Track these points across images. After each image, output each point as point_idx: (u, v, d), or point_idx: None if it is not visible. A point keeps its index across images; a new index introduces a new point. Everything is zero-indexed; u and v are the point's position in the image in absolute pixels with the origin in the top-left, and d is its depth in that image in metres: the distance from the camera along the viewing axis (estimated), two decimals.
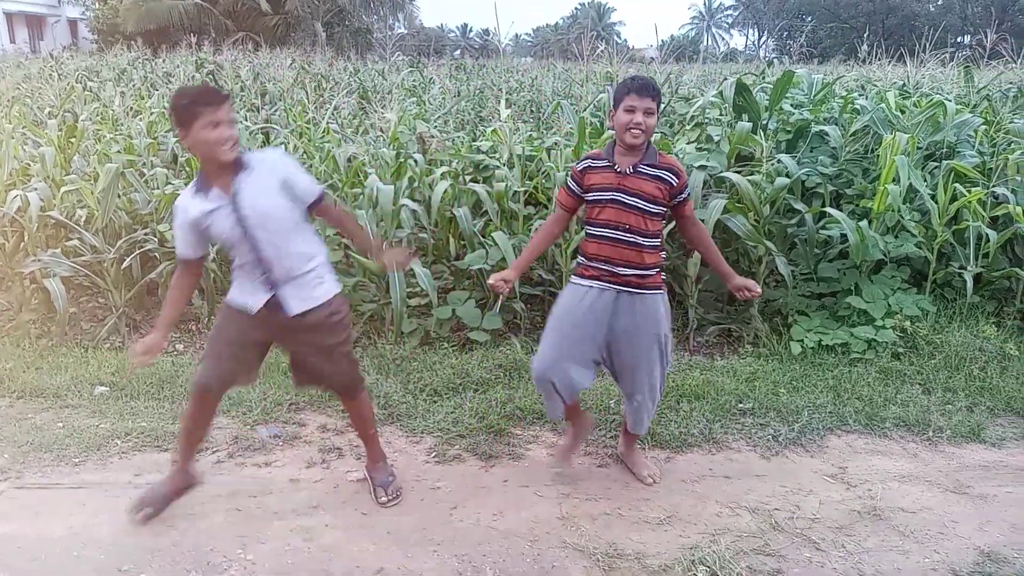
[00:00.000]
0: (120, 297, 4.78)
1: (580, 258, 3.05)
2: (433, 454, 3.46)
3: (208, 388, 2.86)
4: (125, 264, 4.76)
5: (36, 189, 4.91)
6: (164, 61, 13.90)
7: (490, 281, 3.05)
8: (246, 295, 2.77)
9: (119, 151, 5.56)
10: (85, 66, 13.41)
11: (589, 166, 3.00)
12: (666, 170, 2.91)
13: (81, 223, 4.85)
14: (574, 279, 3.04)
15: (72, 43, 30.98)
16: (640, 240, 2.90)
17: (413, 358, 4.42)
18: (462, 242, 5.14)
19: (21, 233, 4.95)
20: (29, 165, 5.49)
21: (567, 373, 2.98)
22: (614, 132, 2.93)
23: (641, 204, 2.89)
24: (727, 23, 69.57)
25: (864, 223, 4.62)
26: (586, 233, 3.03)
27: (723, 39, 67.87)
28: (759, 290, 3.10)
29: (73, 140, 5.94)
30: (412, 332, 4.69)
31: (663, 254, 3.04)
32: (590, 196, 2.97)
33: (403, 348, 4.53)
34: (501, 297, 4.84)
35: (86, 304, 5.20)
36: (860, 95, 6.67)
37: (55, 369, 4.23)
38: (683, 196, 2.98)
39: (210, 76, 10.60)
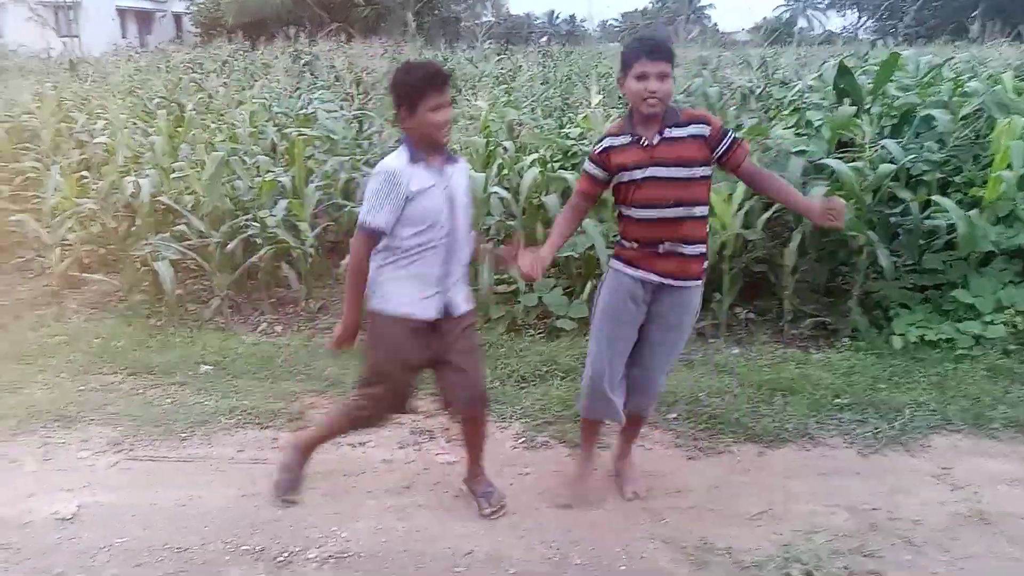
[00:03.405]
0: (224, 280, 4.99)
1: (621, 240, 2.80)
2: (521, 440, 3.49)
3: (383, 420, 2.88)
4: (228, 248, 4.97)
5: (148, 176, 5.17)
6: (262, 53, 14.36)
7: (524, 270, 2.66)
8: (423, 302, 2.64)
9: (223, 140, 5.79)
10: (189, 58, 13.99)
11: (610, 146, 2.70)
12: (695, 123, 2.66)
13: (188, 208, 5.08)
14: (615, 264, 2.80)
15: (177, 37, 32.39)
16: (694, 211, 2.66)
17: (500, 344, 4.46)
18: (548, 230, 5.13)
19: (132, 218, 5.24)
20: (141, 153, 5.78)
21: (620, 373, 2.85)
22: (629, 101, 2.68)
23: (682, 172, 2.62)
24: (823, 4, 66.86)
25: (974, 212, 4.38)
26: (623, 216, 2.77)
27: (819, 20, 65.27)
28: (844, 208, 2.65)
29: (180, 129, 6.23)
30: (499, 318, 4.73)
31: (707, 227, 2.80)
32: (622, 178, 2.68)
33: (490, 334, 4.57)
34: (588, 285, 4.82)
35: (191, 286, 5.45)
36: (971, 77, 6.31)
37: (163, 348, 4.46)
38: (727, 144, 2.66)
39: (306, 67, 10.89)
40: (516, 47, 18.59)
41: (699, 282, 2.80)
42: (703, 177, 2.68)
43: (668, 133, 2.64)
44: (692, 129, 2.65)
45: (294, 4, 28.25)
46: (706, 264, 2.82)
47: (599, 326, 2.85)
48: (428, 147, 2.59)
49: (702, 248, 2.76)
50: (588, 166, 2.79)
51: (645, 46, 2.60)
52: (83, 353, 4.35)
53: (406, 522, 2.89)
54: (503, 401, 3.82)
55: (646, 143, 2.64)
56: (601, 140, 2.76)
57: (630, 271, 2.74)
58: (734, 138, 2.69)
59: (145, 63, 13.55)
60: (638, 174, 2.64)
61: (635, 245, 2.73)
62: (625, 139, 2.68)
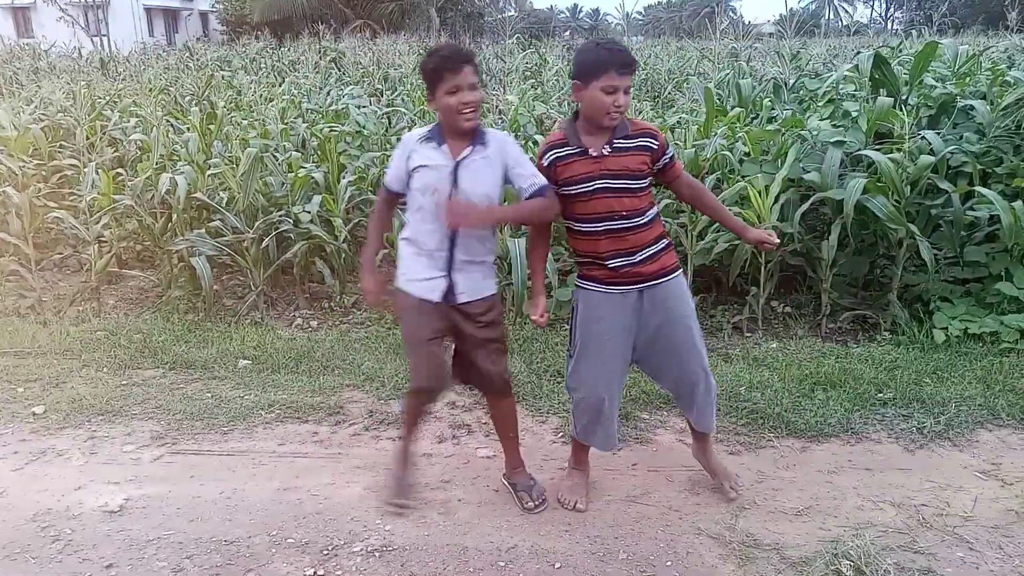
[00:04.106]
0: (259, 276, 5.02)
1: (578, 257, 2.74)
2: (560, 434, 3.48)
3: (428, 391, 2.81)
4: (263, 244, 5.00)
5: (183, 172, 5.22)
6: (289, 49, 14.46)
7: (537, 319, 2.74)
8: (424, 283, 2.68)
9: (255, 136, 5.83)
10: (217, 56, 14.12)
11: (556, 157, 2.61)
12: (643, 136, 2.61)
13: (223, 205, 5.12)
14: (581, 283, 2.74)
15: (203, 34, 32.69)
16: (639, 221, 2.61)
17: (535, 339, 4.45)
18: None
19: (169, 214, 5.29)
20: (175, 151, 5.84)
21: (613, 389, 2.78)
22: (580, 106, 2.60)
23: (629, 184, 2.58)
24: None
25: (1018, 203, 4.30)
26: (571, 230, 2.71)
27: (846, 11, 64.43)
28: (776, 240, 2.79)
29: (212, 127, 6.28)
30: None
31: (661, 219, 2.76)
32: (570, 190, 2.61)
33: (524, 329, 4.56)
34: None
35: (227, 282, 5.50)
36: (1009, 67, 6.19)
37: (202, 343, 4.50)
38: (667, 158, 2.67)
39: (333, 63, 10.94)
40: (540, 41, 18.55)
41: (678, 272, 2.73)
42: (645, 188, 2.64)
43: (618, 143, 2.59)
44: (641, 141, 2.62)
45: (319, 1, 28.40)
46: (675, 257, 2.75)
47: (580, 345, 2.76)
48: (451, 130, 2.60)
49: (663, 242, 2.71)
50: None
51: (616, 59, 2.47)
52: (124, 348, 4.40)
53: (448, 516, 2.90)
54: (540, 396, 3.81)
55: (595, 153, 2.59)
56: (545, 152, 2.66)
57: (599, 287, 2.68)
58: (672, 155, 2.71)
59: (174, 61, 13.70)
60: (588, 187, 2.59)
61: (596, 261, 2.66)
62: (571, 149, 2.61)
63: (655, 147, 2.63)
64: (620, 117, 2.55)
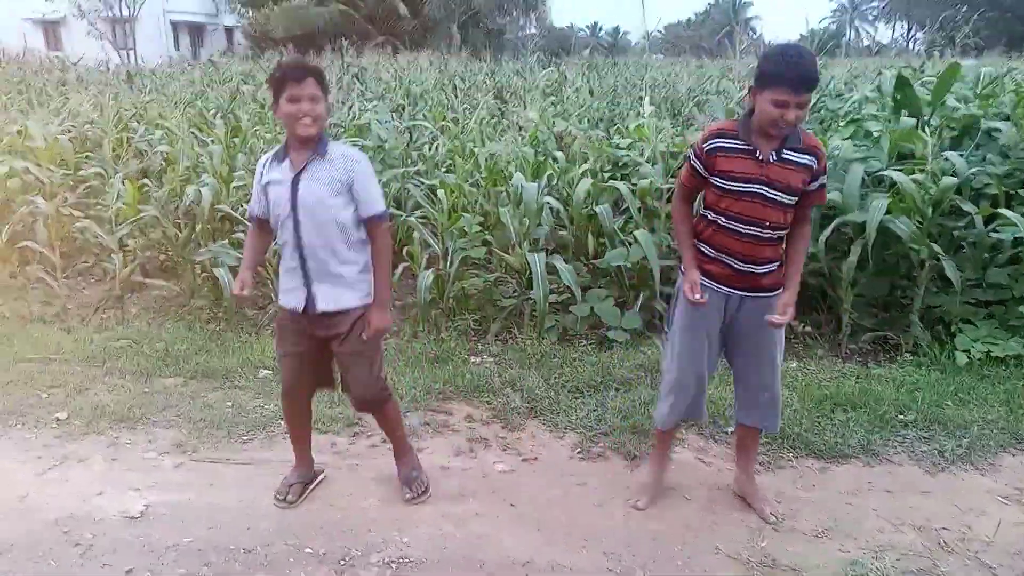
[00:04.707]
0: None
1: (700, 245, 2.72)
2: (577, 450, 3.48)
3: (285, 394, 3.01)
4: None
5: (207, 184, 5.29)
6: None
7: (694, 296, 2.66)
8: (289, 293, 2.80)
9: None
10: (242, 71, 14.30)
11: (719, 147, 2.57)
12: (809, 153, 2.55)
13: (246, 217, 5.16)
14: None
15: (228, 49, 33.14)
16: (778, 234, 2.62)
17: (553, 354, 4.45)
18: (600, 240, 5.13)
19: (193, 225, 5.35)
20: (200, 163, 5.92)
21: (703, 378, 2.84)
22: (759, 117, 2.51)
23: (784, 198, 2.53)
24: (872, 15, 65.89)
25: None
26: (706, 218, 2.67)
27: (868, 32, 64.34)
28: (779, 321, 2.65)
29: (236, 140, 6.36)
30: (550, 328, 4.73)
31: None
32: (722, 183, 2.57)
33: (542, 344, 4.56)
34: (641, 296, 4.80)
35: (249, 293, 5.53)
36: None
37: (223, 352, 4.54)
38: (817, 183, 2.60)
39: (355, 78, 11.05)
40: (560, 59, 18.65)
41: (777, 292, 2.72)
42: (795, 205, 2.61)
43: (787, 155, 2.54)
44: (806, 158, 2.56)
45: (341, 17, 28.74)
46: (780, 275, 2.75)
47: (676, 337, 2.83)
48: (295, 139, 2.66)
49: (779, 262, 2.72)
50: (692, 158, 2.68)
51: (791, 74, 2.38)
52: (146, 356, 4.44)
53: (464, 529, 2.90)
54: (557, 411, 3.81)
55: (761, 157, 2.54)
56: (710, 137, 2.61)
57: (707, 283, 2.71)
58: (823, 183, 2.63)
59: (198, 75, 13.88)
60: (744, 188, 2.55)
61: (715, 255, 2.69)
62: (738, 144, 2.56)
63: (815, 167, 2.57)
64: (788, 131, 2.50)
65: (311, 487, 3.13)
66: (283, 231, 2.73)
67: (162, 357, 4.43)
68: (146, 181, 6.01)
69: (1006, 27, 36.17)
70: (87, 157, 6.88)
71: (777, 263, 2.70)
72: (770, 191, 2.54)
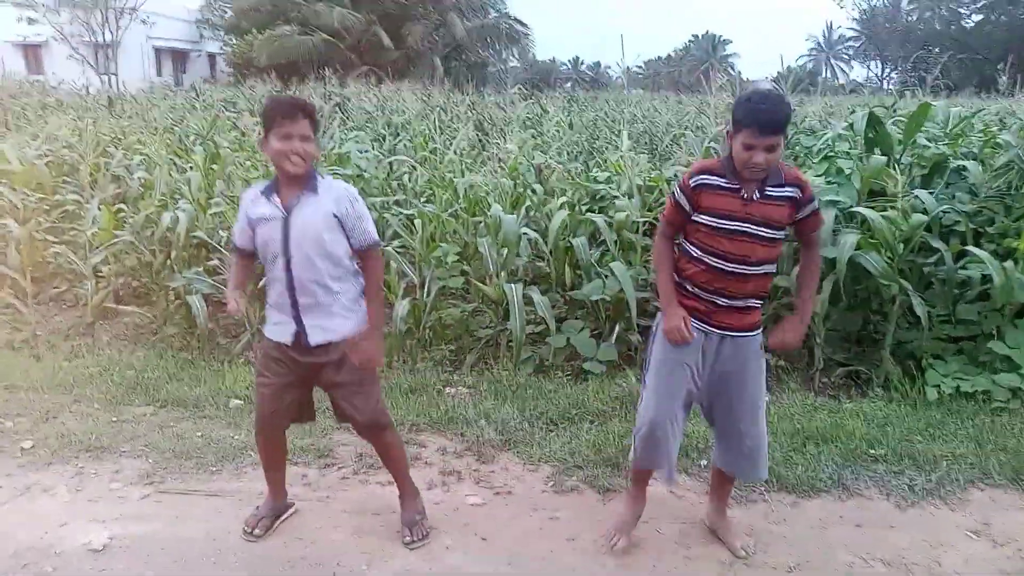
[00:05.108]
0: (254, 315, 5.03)
1: (682, 283, 2.72)
2: (551, 483, 3.46)
3: (258, 431, 2.97)
4: (260, 284, 5.01)
5: (184, 210, 5.26)
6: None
7: (682, 333, 2.66)
8: (278, 327, 2.78)
9: (258, 176, 5.88)
10: (223, 97, 14.33)
11: (705, 183, 2.60)
12: (792, 185, 2.59)
13: (222, 244, 5.15)
14: None
15: (211, 76, 33.20)
16: (763, 270, 2.64)
17: (529, 385, 4.45)
18: (577, 271, 5.16)
19: (167, 251, 5.32)
20: (176, 189, 5.90)
21: (678, 419, 2.78)
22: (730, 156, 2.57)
23: (767, 232, 2.57)
24: (847, 55, 67.42)
25: (1009, 263, 4.35)
26: (688, 254, 2.69)
27: (843, 71, 65.75)
28: (785, 344, 2.78)
29: (215, 166, 6.35)
30: (527, 359, 4.73)
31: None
32: (707, 220, 2.60)
33: (518, 375, 4.56)
34: (617, 328, 4.82)
35: (222, 320, 5.49)
36: (1000, 129, 6.31)
37: (194, 381, 4.49)
38: (808, 210, 2.63)
39: (337, 107, 11.11)
40: (542, 92, 18.87)
41: (757, 332, 2.74)
42: (781, 239, 2.64)
43: (769, 191, 2.58)
44: (789, 191, 2.59)
45: (325, 46, 28.91)
46: (762, 315, 2.78)
47: (653, 376, 2.80)
48: (283, 176, 2.66)
49: (759, 301, 2.73)
50: (677, 194, 2.69)
51: (759, 118, 2.46)
52: (116, 384, 4.38)
53: (435, 563, 2.87)
54: (531, 443, 3.79)
55: (745, 196, 2.57)
56: (696, 173, 2.64)
57: (693, 323, 2.70)
58: (816, 207, 2.67)
59: (180, 101, 13.90)
60: (728, 225, 2.57)
61: (697, 292, 2.69)
62: (722, 182, 2.59)
63: (798, 197, 2.60)
64: (758, 174, 2.53)
65: (280, 520, 3.08)
66: (273, 267, 2.72)
67: (132, 385, 4.38)
68: (123, 206, 5.98)
69: (976, 68, 37.08)
70: (64, 181, 6.83)
71: (759, 300, 2.72)
72: (755, 228, 2.57)
